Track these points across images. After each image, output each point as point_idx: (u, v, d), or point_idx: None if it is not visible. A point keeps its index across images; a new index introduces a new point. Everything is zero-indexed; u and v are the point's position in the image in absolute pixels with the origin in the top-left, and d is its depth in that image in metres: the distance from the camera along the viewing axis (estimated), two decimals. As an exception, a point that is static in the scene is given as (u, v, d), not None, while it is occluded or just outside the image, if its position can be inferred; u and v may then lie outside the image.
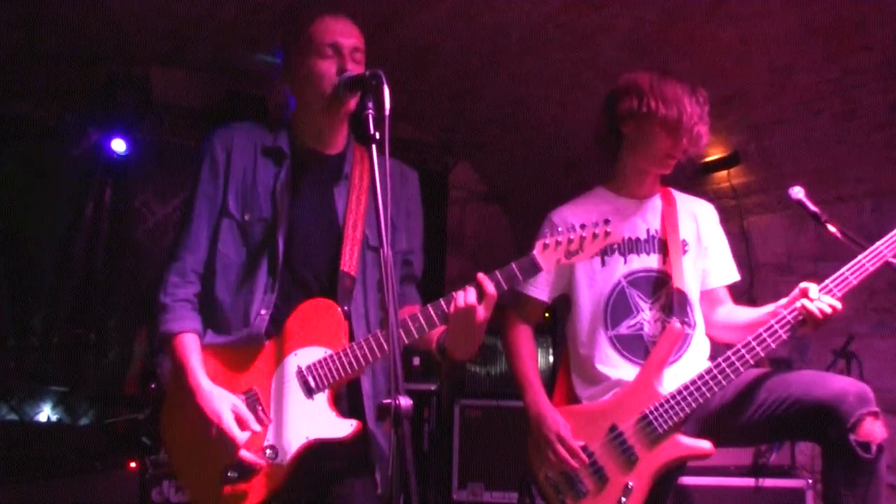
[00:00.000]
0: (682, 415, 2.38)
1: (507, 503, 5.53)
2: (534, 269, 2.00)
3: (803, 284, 2.38)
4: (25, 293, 5.43)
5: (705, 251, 2.70)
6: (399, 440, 1.64)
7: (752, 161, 4.75)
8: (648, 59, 4.60)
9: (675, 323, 2.47)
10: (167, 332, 2.07)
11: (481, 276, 1.97)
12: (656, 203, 2.68)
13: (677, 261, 2.56)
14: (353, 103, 2.09)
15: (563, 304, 2.72)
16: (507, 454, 5.60)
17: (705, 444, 2.39)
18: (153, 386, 4.50)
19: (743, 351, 2.38)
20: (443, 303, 2.00)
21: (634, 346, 2.52)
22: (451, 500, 5.53)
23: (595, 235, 1.99)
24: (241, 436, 1.97)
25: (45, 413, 5.35)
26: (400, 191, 2.25)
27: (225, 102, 5.65)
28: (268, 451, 2.00)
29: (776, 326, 2.40)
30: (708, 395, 2.37)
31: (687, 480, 4.18)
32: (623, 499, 2.37)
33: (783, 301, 2.45)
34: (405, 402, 1.64)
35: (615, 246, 2.57)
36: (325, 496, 2.11)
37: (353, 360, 2.02)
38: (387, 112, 1.80)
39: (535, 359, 2.72)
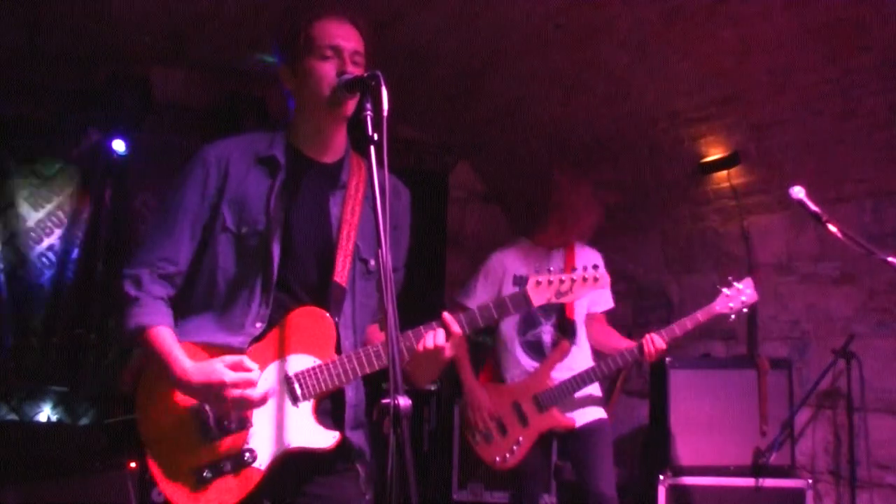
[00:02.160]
0: (563, 398, 3.60)
1: (507, 503, 5.52)
2: (525, 303, 2.14)
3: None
4: (25, 293, 5.43)
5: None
6: (399, 440, 1.63)
7: (752, 161, 4.75)
8: (648, 60, 4.61)
9: (567, 342, 3.66)
10: (139, 325, 2.01)
11: (447, 317, 2.04)
12: (562, 253, 3.76)
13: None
14: (351, 105, 2.06)
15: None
16: (507, 454, 5.60)
17: (571, 420, 3.62)
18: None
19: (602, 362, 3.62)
20: (411, 336, 2.04)
21: (535, 348, 3.70)
22: (451, 500, 5.53)
23: (585, 279, 2.19)
24: (244, 376, 1.94)
25: (45, 413, 5.35)
26: (393, 204, 2.21)
27: (225, 102, 5.65)
28: (246, 455, 1.99)
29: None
30: (583, 384, 3.60)
31: (687, 480, 4.19)
32: (514, 447, 3.61)
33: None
34: (404, 402, 1.63)
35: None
36: (301, 498, 2.10)
37: (341, 372, 2.02)
38: (385, 113, 1.78)
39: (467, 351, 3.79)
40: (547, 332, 3.71)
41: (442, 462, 5.59)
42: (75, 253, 5.57)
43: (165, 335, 2.01)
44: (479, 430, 3.65)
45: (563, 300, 2.21)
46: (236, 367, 1.96)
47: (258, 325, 2.05)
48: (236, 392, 1.93)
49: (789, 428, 4.39)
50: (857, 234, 3.12)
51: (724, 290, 3.46)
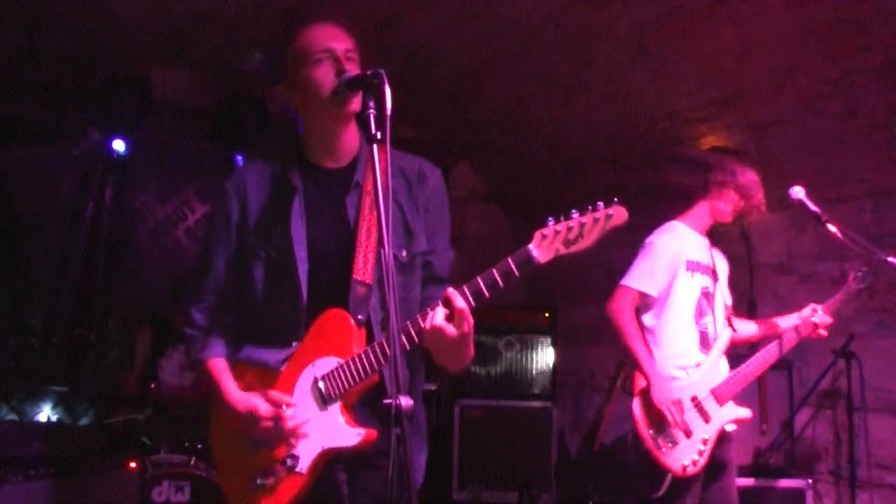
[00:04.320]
0: (738, 389, 3.41)
1: (507, 503, 5.53)
2: (529, 262, 1.90)
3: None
4: (25, 293, 5.43)
5: (723, 281, 3.70)
6: (399, 440, 1.64)
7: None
8: (648, 60, 4.61)
9: (729, 330, 3.50)
10: (199, 359, 2.23)
11: (450, 292, 1.91)
12: (707, 242, 3.62)
13: (720, 285, 3.59)
14: (356, 103, 2.05)
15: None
16: (507, 454, 5.60)
17: (746, 412, 3.45)
18: (153, 385, 4.51)
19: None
20: (420, 319, 1.95)
21: (704, 340, 3.47)
22: (451, 500, 5.53)
23: (596, 220, 1.89)
24: (273, 411, 2.08)
25: (45, 413, 5.35)
26: (417, 190, 2.21)
27: (225, 102, 5.66)
28: (289, 461, 2.08)
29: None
30: (756, 371, 3.44)
31: (687, 480, 4.18)
32: (702, 447, 3.30)
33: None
34: (405, 401, 1.64)
35: (697, 265, 3.50)
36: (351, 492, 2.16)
37: (360, 367, 2.03)
38: (388, 111, 1.78)
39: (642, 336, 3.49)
40: (712, 323, 3.51)
41: (442, 462, 5.59)
42: (75, 253, 5.57)
43: (218, 366, 2.21)
44: (666, 432, 3.29)
45: (573, 249, 1.90)
46: (272, 402, 2.09)
47: (294, 343, 2.13)
48: (267, 424, 2.08)
49: (789, 428, 4.39)
50: (857, 234, 3.12)
51: (855, 272, 3.49)
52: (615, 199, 1.90)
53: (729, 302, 3.68)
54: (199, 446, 4.31)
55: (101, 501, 3.96)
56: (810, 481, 4.19)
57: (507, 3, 4.46)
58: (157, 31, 5.16)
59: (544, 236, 1.90)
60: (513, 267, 1.90)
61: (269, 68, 2.20)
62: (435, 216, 2.24)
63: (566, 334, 6.23)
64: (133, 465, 4.07)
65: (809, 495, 4.12)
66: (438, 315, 1.90)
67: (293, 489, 2.07)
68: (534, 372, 5.83)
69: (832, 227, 3.20)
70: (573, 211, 1.91)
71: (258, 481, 2.10)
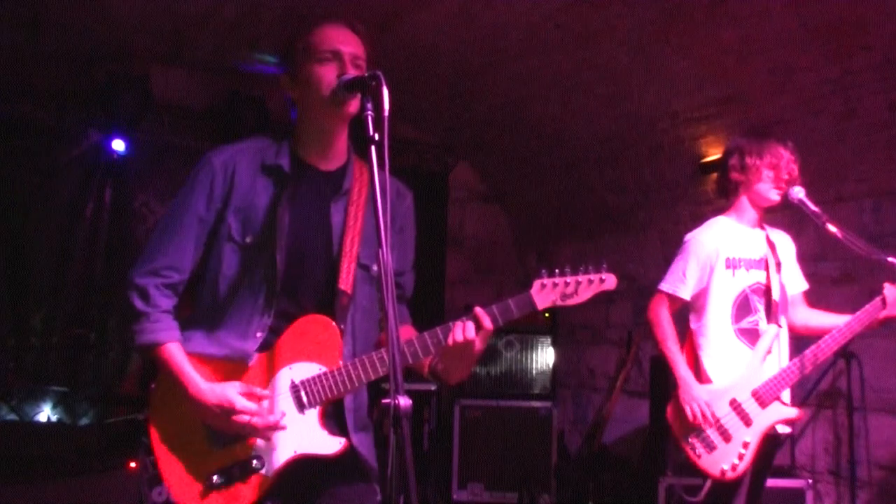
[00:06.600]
0: (782, 389, 3.21)
1: (507, 503, 5.53)
2: (529, 306, 2.06)
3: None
4: (25, 293, 5.43)
5: (788, 268, 3.46)
6: (399, 440, 1.63)
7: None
8: (648, 60, 4.61)
9: (774, 327, 3.29)
10: (153, 342, 2.06)
11: (479, 311, 2.03)
12: (762, 233, 3.44)
13: (775, 277, 3.37)
14: (353, 105, 2.05)
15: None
16: (507, 454, 5.60)
17: (794, 411, 3.26)
18: (153, 386, 4.50)
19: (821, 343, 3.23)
20: (440, 332, 2.03)
21: (752, 337, 3.29)
22: (451, 500, 5.53)
23: (590, 281, 2.11)
24: (252, 407, 2.01)
25: (45, 413, 5.34)
26: (396, 207, 2.24)
27: (225, 102, 5.66)
28: (254, 462, 2.03)
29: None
30: (804, 372, 3.20)
31: (687, 480, 4.19)
32: (742, 451, 3.17)
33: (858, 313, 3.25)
34: (404, 401, 1.63)
35: (741, 261, 3.33)
36: (312, 500, 2.12)
37: (346, 379, 2.04)
38: (386, 113, 1.78)
39: (678, 339, 3.40)
40: (762, 319, 3.33)
41: (442, 462, 5.59)
42: (75, 253, 5.57)
43: (176, 352, 2.07)
44: (702, 436, 3.21)
45: (568, 303, 2.11)
46: (249, 396, 2.02)
47: (259, 334, 2.08)
48: (244, 419, 2.00)
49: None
50: (857, 235, 3.12)
51: None
52: (604, 265, 2.13)
53: (797, 289, 3.48)
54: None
55: (100, 501, 3.96)
56: (810, 481, 4.18)
57: (507, 3, 4.46)
58: (157, 31, 5.16)
59: (543, 286, 2.07)
60: (513, 309, 2.05)
61: (278, 56, 2.19)
62: (407, 237, 2.29)
63: (566, 334, 6.24)
64: (133, 465, 4.07)
65: (809, 495, 4.12)
66: (470, 328, 2.00)
67: (256, 492, 2.02)
68: (534, 372, 5.84)
69: (832, 227, 3.19)
70: (567, 268, 2.11)
71: (215, 480, 2.02)
